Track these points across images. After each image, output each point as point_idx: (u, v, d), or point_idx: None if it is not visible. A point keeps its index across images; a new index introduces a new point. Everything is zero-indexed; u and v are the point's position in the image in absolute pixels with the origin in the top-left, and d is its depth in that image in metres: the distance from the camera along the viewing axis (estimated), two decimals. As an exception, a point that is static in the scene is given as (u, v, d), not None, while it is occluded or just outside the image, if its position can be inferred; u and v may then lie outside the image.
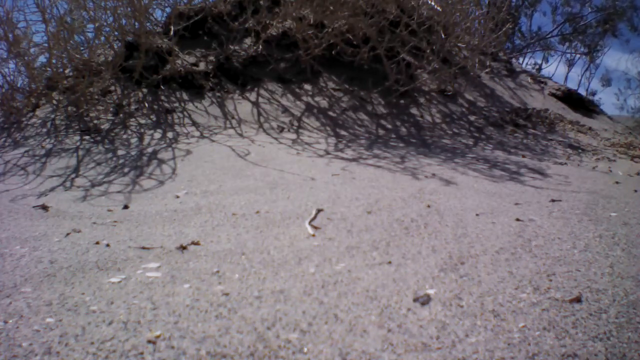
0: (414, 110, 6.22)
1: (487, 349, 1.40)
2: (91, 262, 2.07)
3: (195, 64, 6.13)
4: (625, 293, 1.74)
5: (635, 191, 3.71)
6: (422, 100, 6.48)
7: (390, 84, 6.22)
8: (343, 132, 5.48)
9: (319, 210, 2.79)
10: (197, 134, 5.03)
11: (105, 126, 5.02)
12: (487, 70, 7.59)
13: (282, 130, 5.36)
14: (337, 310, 1.63)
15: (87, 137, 4.75)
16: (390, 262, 2.06)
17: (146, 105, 5.47)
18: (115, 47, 6.02)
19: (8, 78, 5.42)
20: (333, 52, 6.37)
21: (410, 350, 1.41)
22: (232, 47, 6.35)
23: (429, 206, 2.92)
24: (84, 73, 5.35)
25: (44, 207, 3.01)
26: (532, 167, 4.61)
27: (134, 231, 2.58)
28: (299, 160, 4.29)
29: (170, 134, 4.95)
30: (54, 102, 5.38)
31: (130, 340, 1.43)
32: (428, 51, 6.38)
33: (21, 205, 3.08)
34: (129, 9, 5.71)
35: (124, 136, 4.83)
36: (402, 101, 6.31)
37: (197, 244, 2.33)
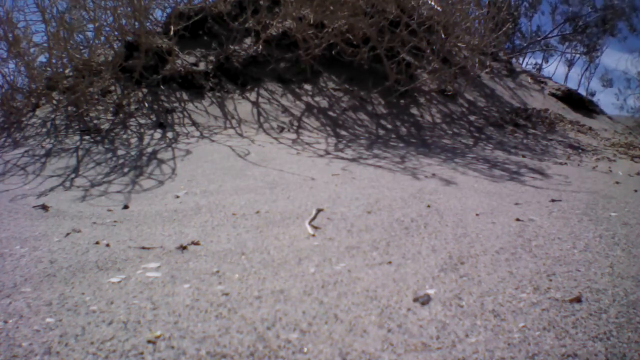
0: (414, 110, 6.22)
1: (487, 349, 1.40)
2: (91, 262, 2.07)
3: (195, 64, 6.13)
4: (625, 293, 1.74)
5: (635, 191, 3.71)
6: (422, 100, 6.47)
7: (390, 84, 6.22)
8: (343, 132, 5.48)
9: (319, 210, 2.79)
10: (197, 134, 5.03)
11: (105, 126, 5.02)
12: (487, 70, 7.59)
13: (282, 130, 5.36)
14: (337, 310, 1.63)
15: (87, 137, 4.75)
16: (390, 262, 2.06)
17: (146, 105, 5.47)
18: (115, 47, 6.02)
19: (8, 78, 5.42)
20: (333, 52, 6.37)
21: (410, 350, 1.41)
22: (232, 47, 6.35)
23: (429, 206, 2.92)
24: (84, 73, 5.35)
25: (44, 207, 3.01)
26: (532, 167, 4.61)
27: (133, 231, 2.57)
28: (299, 160, 4.29)
29: (170, 134, 4.95)
30: (54, 102, 5.38)
31: (130, 340, 1.43)
32: (428, 51, 6.38)
33: (21, 205, 3.08)
34: (129, 9, 5.71)
35: (124, 136, 4.83)
36: (402, 101, 6.31)
37: (197, 244, 2.33)
